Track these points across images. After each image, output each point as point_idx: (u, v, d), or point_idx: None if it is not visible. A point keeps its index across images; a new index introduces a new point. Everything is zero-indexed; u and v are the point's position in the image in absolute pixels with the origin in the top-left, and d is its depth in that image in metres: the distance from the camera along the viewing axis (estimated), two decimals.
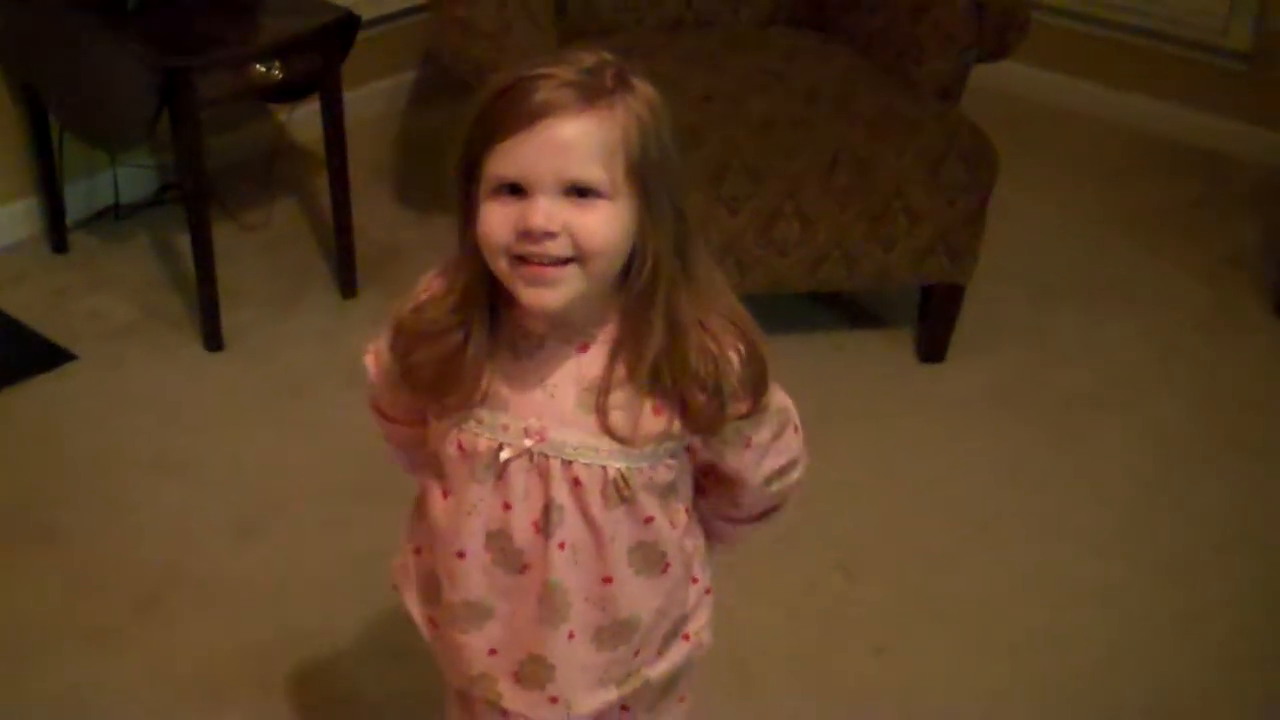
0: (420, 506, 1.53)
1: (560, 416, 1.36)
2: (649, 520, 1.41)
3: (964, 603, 2.45)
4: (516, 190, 1.27)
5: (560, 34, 3.00)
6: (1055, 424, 2.89)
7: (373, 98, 3.86)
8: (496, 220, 1.28)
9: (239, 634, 2.32)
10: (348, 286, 3.20)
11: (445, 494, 1.45)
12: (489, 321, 1.36)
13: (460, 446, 1.40)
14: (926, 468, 2.77)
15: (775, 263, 2.84)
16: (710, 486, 1.51)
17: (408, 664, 2.24)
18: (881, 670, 2.32)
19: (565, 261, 1.28)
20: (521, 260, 1.28)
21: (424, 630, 1.57)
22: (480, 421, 1.38)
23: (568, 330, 1.36)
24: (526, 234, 1.26)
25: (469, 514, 1.42)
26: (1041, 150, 3.90)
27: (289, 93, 3.10)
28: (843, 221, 2.82)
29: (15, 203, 3.32)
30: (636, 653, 1.50)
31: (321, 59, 2.98)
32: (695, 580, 1.54)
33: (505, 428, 1.37)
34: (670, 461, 1.41)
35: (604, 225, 1.28)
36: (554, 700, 1.49)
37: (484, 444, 1.38)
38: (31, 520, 2.55)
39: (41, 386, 2.90)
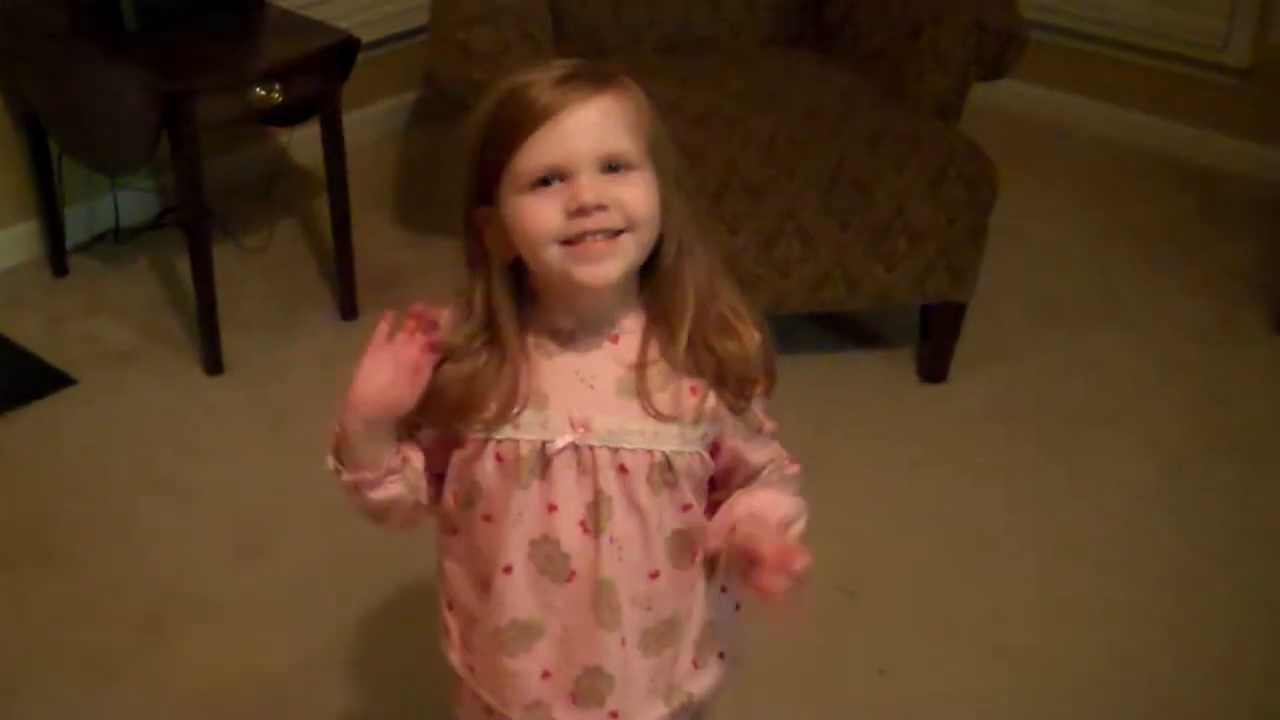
0: (441, 565, 1.53)
1: (602, 405, 1.38)
2: (688, 508, 1.43)
3: (966, 620, 2.45)
4: (549, 181, 1.31)
5: (558, 56, 2.99)
6: (1056, 440, 2.89)
7: (372, 120, 3.87)
8: (543, 210, 1.31)
9: (240, 656, 2.32)
10: (348, 308, 3.20)
11: (486, 516, 1.43)
12: (521, 326, 1.39)
13: (499, 458, 1.40)
14: (928, 487, 2.76)
15: (777, 283, 2.84)
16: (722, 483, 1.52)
17: (408, 686, 2.23)
18: (884, 689, 2.31)
19: (616, 234, 1.32)
20: (571, 243, 1.31)
21: (465, 675, 1.55)
22: (518, 426, 1.39)
23: (596, 323, 1.39)
24: (580, 211, 1.30)
25: (513, 525, 1.41)
26: (1041, 167, 3.91)
27: (289, 116, 3.11)
28: (843, 241, 2.82)
29: (15, 226, 3.33)
30: (675, 659, 1.49)
31: (321, 82, 2.98)
32: (724, 590, 1.54)
33: (546, 424, 1.38)
34: (706, 456, 1.43)
35: (644, 193, 1.33)
36: (614, 716, 1.48)
37: (526, 447, 1.39)
38: (32, 543, 2.55)
39: (41, 411, 2.89)
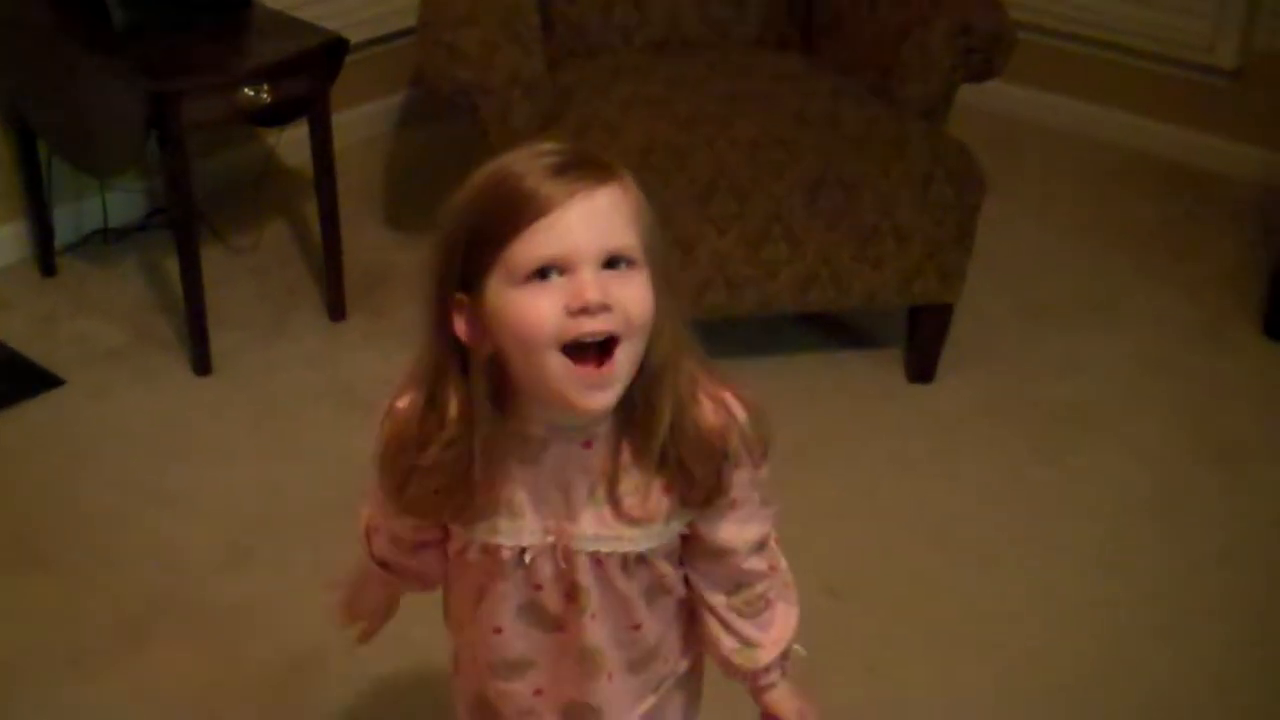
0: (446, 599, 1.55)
1: (574, 514, 1.36)
2: (660, 576, 1.43)
3: (953, 620, 2.45)
4: (547, 274, 1.22)
5: (546, 56, 3.00)
6: (1044, 442, 2.90)
7: (361, 120, 3.86)
8: (542, 306, 1.22)
9: (229, 660, 2.32)
10: (336, 309, 3.20)
11: (476, 588, 1.45)
12: (483, 425, 1.31)
13: (484, 550, 1.39)
14: (915, 487, 2.77)
15: (764, 284, 2.84)
16: (695, 561, 1.47)
17: (397, 689, 2.23)
18: (872, 688, 2.31)
19: (609, 347, 1.24)
20: (571, 357, 1.23)
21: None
22: (498, 530, 1.37)
23: (570, 430, 1.32)
24: (583, 310, 1.21)
25: (500, 601, 1.43)
26: (1028, 168, 3.92)
27: (278, 116, 3.11)
28: (830, 242, 2.82)
29: (3, 226, 3.33)
30: (665, 661, 1.53)
31: (310, 82, 2.98)
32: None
33: (521, 532, 1.37)
34: (682, 531, 1.41)
35: (642, 293, 1.25)
36: None
37: (506, 552, 1.38)
38: (19, 546, 2.55)
39: (29, 411, 2.89)
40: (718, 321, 2.85)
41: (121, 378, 2.99)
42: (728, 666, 1.53)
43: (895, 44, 2.99)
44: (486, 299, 1.25)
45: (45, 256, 3.32)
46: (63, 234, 3.37)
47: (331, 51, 3.01)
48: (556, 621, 1.44)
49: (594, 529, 1.36)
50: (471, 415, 1.30)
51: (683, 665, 1.57)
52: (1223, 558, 2.61)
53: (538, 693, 1.50)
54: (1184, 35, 3.89)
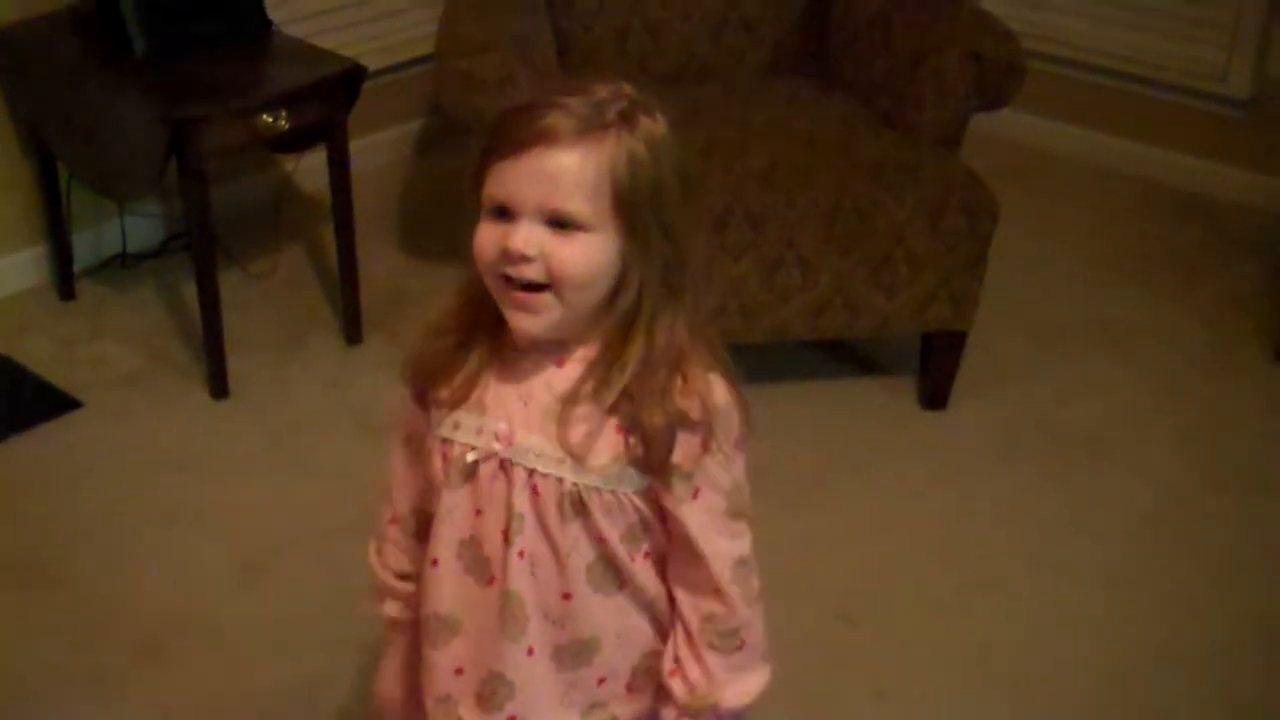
0: None
1: (527, 423, 1.41)
2: (603, 540, 1.43)
3: (964, 645, 2.46)
4: (505, 213, 1.34)
5: (561, 82, 3.02)
6: (1055, 467, 2.90)
7: (378, 147, 3.89)
8: (486, 239, 1.36)
9: (243, 679, 2.33)
10: (353, 334, 3.22)
11: (432, 512, 1.50)
12: (494, 331, 1.43)
13: (443, 456, 1.45)
14: (927, 513, 2.77)
15: (778, 310, 2.86)
16: (674, 556, 1.48)
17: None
18: (883, 713, 2.32)
19: (540, 288, 1.34)
20: (507, 282, 1.35)
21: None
22: (458, 426, 1.43)
23: (547, 345, 1.41)
24: (506, 255, 1.33)
25: (443, 520, 1.46)
26: (1041, 197, 3.93)
27: (295, 143, 3.13)
28: (844, 269, 2.84)
29: (23, 250, 3.35)
30: (601, 681, 1.50)
31: (328, 109, 3.01)
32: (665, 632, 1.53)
33: (479, 431, 1.42)
34: (636, 500, 1.42)
35: (581, 256, 1.34)
36: None
37: (458, 449, 1.43)
38: (36, 566, 2.56)
39: (47, 434, 2.91)
40: (731, 347, 2.86)
41: (139, 401, 3.01)
42: (688, 698, 1.48)
43: (909, 72, 3.01)
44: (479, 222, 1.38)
45: (64, 280, 3.34)
46: (82, 258, 3.39)
47: (349, 79, 3.03)
48: (489, 570, 1.45)
49: (538, 443, 1.40)
50: (474, 303, 1.43)
51: (627, 709, 1.53)
52: (1234, 582, 2.62)
53: (458, 672, 1.50)
54: (1197, 65, 3.91)
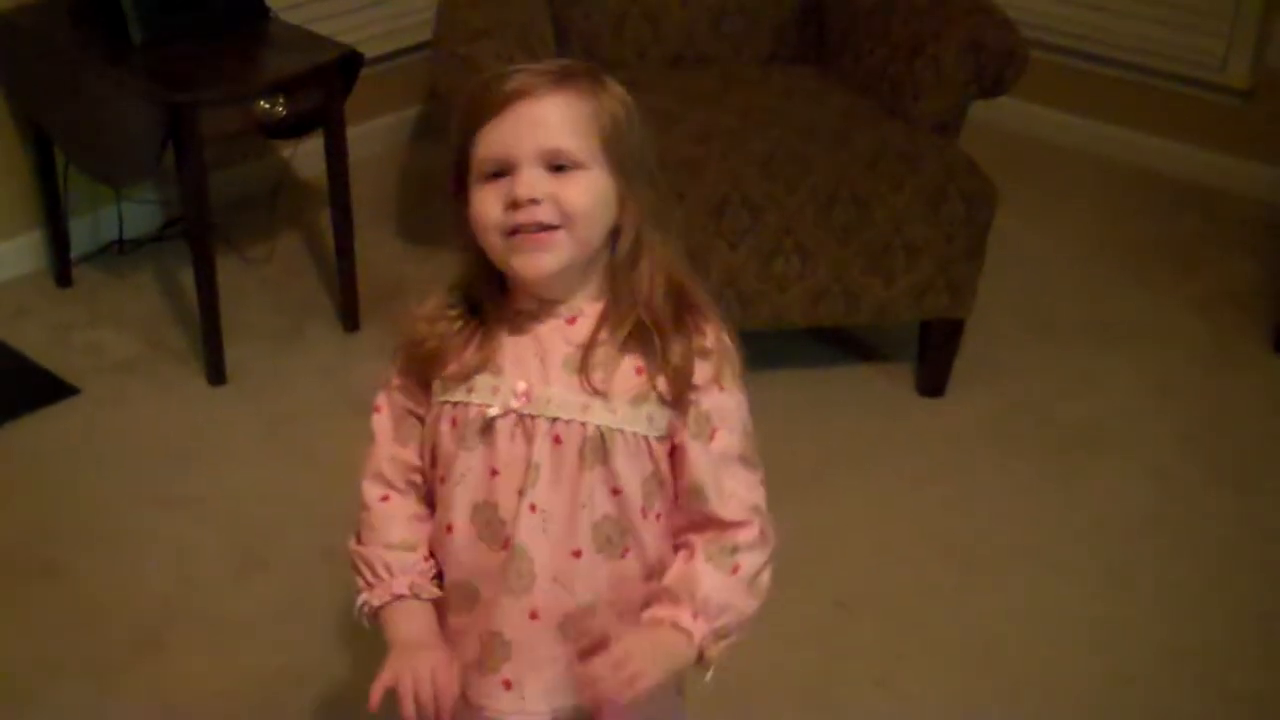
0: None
1: (546, 377, 1.44)
2: (618, 492, 1.44)
3: (962, 635, 2.46)
4: (501, 175, 1.39)
5: None
6: (1053, 458, 2.90)
7: (376, 134, 3.88)
8: (488, 201, 1.40)
9: (240, 668, 2.33)
10: (350, 321, 3.22)
11: (441, 478, 1.50)
12: (497, 306, 1.47)
13: (454, 422, 1.47)
14: (925, 502, 2.77)
15: (776, 298, 2.85)
16: (684, 504, 1.50)
17: None
18: (881, 702, 2.32)
19: (552, 229, 1.39)
20: (513, 232, 1.39)
21: None
22: (472, 390, 1.45)
23: (554, 305, 1.46)
24: (514, 204, 1.38)
25: (457, 484, 1.47)
26: (1040, 185, 3.92)
27: (293, 129, 3.12)
28: (842, 257, 2.83)
29: (20, 236, 3.35)
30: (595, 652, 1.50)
31: (325, 96, 3.00)
32: None
33: (496, 390, 1.44)
34: (655, 446, 1.44)
35: (585, 192, 1.40)
36: (507, 685, 1.50)
37: (474, 410, 1.45)
38: (32, 555, 2.56)
39: (44, 420, 2.91)
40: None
41: (136, 387, 3.01)
42: (669, 580, 1.46)
43: (908, 60, 3.00)
44: (470, 197, 1.43)
45: (61, 266, 3.34)
46: (79, 244, 3.39)
47: (347, 65, 3.03)
48: (504, 533, 1.45)
49: (559, 393, 1.43)
50: (473, 294, 1.48)
51: None
52: (1231, 576, 2.62)
53: (494, 633, 1.50)
54: (1196, 54, 3.91)
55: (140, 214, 3.48)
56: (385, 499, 1.56)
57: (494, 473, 1.45)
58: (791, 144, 2.88)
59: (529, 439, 1.43)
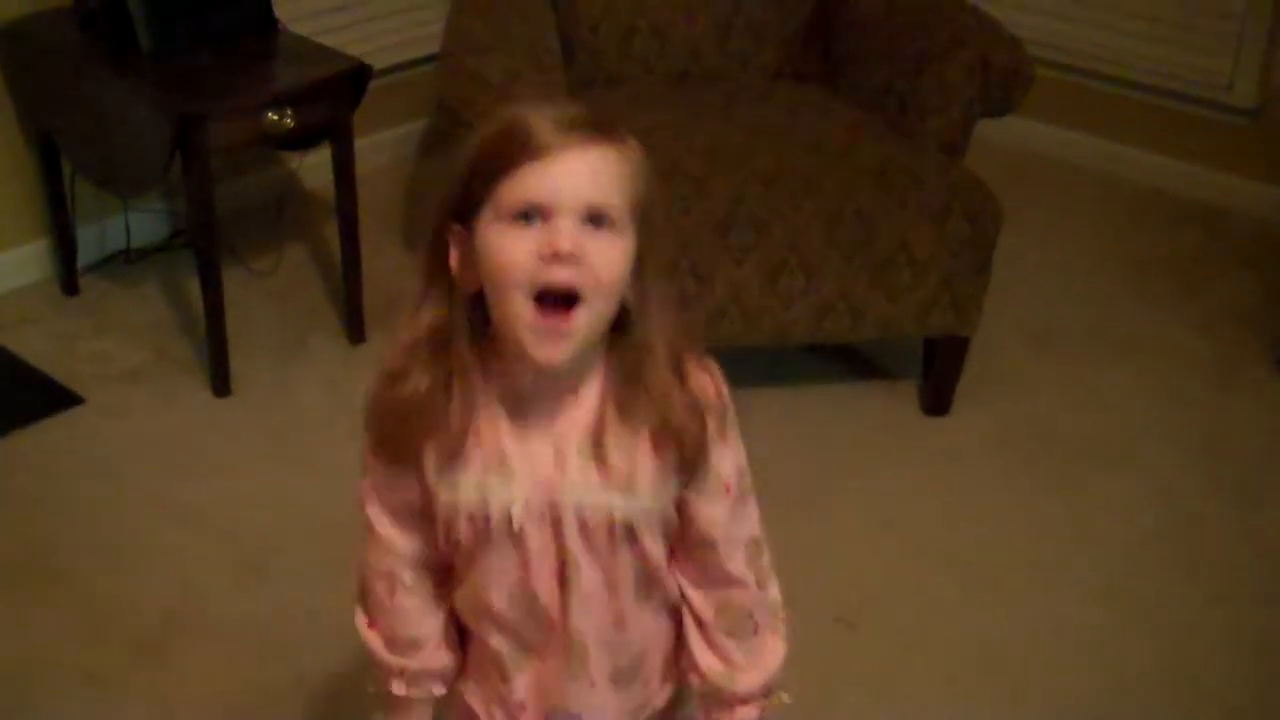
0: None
1: (564, 468, 1.37)
2: (645, 556, 1.43)
3: (964, 652, 2.45)
4: (530, 219, 1.28)
5: (568, 83, 3.03)
6: (1056, 476, 2.90)
7: (383, 146, 3.89)
8: (518, 247, 1.28)
9: (242, 678, 2.33)
10: (355, 333, 3.22)
11: (468, 563, 1.46)
12: (478, 366, 1.36)
13: (471, 519, 1.40)
14: (928, 518, 2.77)
15: (780, 314, 2.85)
16: (687, 552, 1.48)
17: None
18: (881, 717, 2.32)
19: (572, 303, 1.29)
20: (537, 305, 1.28)
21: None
22: (485, 489, 1.38)
23: (555, 381, 1.36)
24: (554, 256, 1.27)
25: (489, 579, 1.43)
26: (1045, 203, 3.93)
27: (300, 141, 3.13)
28: (847, 273, 2.84)
29: (27, 245, 3.35)
30: (646, 683, 1.53)
31: (333, 108, 3.01)
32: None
33: (510, 489, 1.38)
34: (671, 510, 1.42)
35: (618, 258, 1.31)
36: None
37: (495, 510, 1.39)
38: (36, 563, 2.56)
39: (49, 429, 2.91)
40: (733, 350, 2.86)
41: (141, 397, 3.01)
42: (706, 687, 1.51)
43: (914, 77, 3.01)
44: (477, 233, 1.31)
45: (68, 275, 3.34)
46: (85, 253, 3.39)
47: (355, 78, 3.03)
48: (546, 615, 1.43)
49: (582, 487, 1.37)
50: (455, 342, 1.35)
51: (662, 696, 1.56)
52: (1232, 592, 2.61)
53: (521, 707, 1.51)
54: (1202, 74, 3.91)
55: (147, 223, 3.49)
56: (393, 594, 1.52)
57: (526, 564, 1.41)
58: (797, 160, 2.88)
59: (556, 528, 1.39)
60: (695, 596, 1.49)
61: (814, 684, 2.36)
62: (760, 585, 1.49)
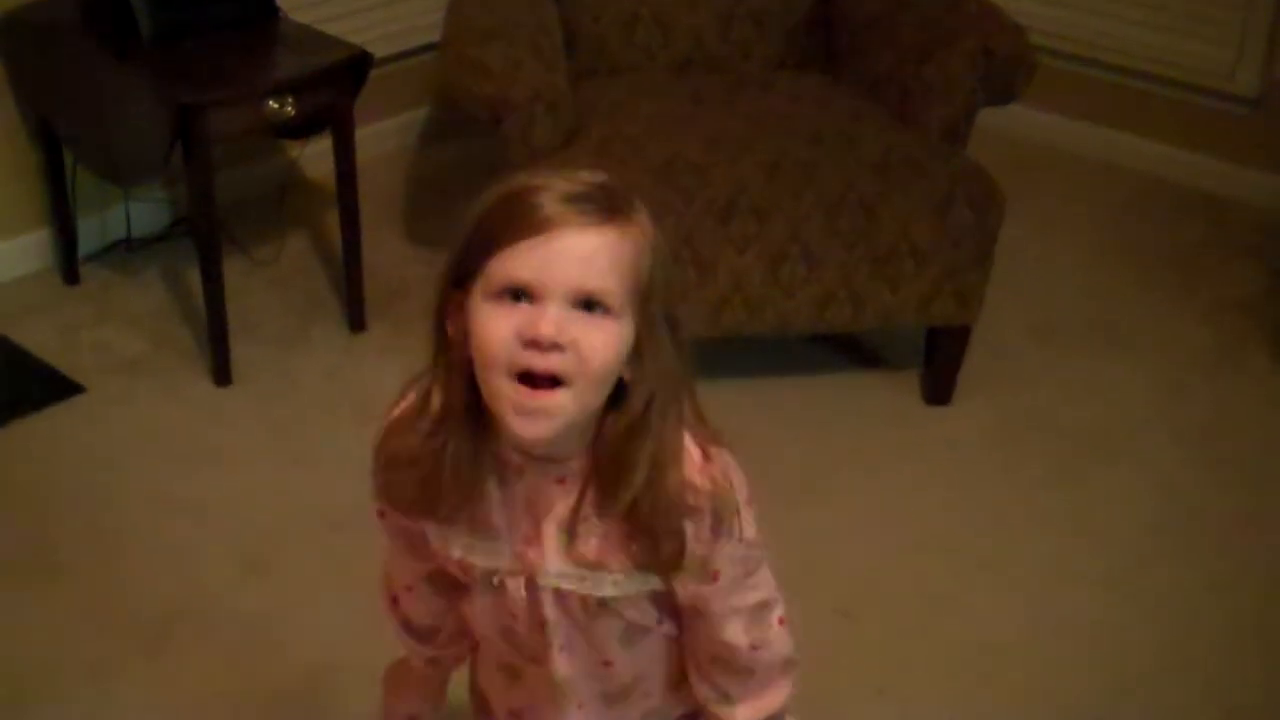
0: None
1: (542, 545, 1.36)
2: (630, 620, 1.42)
3: (964, 642, 2.45)
4: (520, 297, 1.23)
5: (569, 73, 3.02)
6: (1057, 466, 2.90)
7: (384, 135, 3.88)
8: (500, 327, 1.23)
9: (244, 669, 2.33)
10: (356, 321, 3.22)
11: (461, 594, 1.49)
12: (473, 439, 1.32)
13: (463, 569, 1.41)
14: (928, 509, 2.77)
15: (782, 303, 2.85)
16: (685, 624, 1.47)
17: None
18: (882, 710, 2.32)
19: (556, 384, 1.23)
20: (517, 381, 1.23)
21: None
22: (471, 549, 1.38)
23: (542, 459, 1.32)
24: (534, 343, 1.21)
25: (477, 612, 1.46)
26: (1047, 193, 3.92)
27: (301, 129, 3.12)
28: (849, 262, 2.83)
29: (28, 234, 3.35)
30: (646, 695, 1.52)
31: (334, 96, 3.00)
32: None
33: (494, 554, 1.38)
34: (655, 586, 1.39)
35: (608, 345, 1.24)
36: None
37: (480, 570, 1.40)
38: (37, 554, 2.56)
39: (50, 418, 2.91)
40: (735, 340, 2.86)
41: (142, 386, 3.01)
42: (706, 709, 1.50)
43: (916, 66, 3.00)
44: (469, 303, 1.26)
45: (69, 265, 3.34)
46: (86, 243, 3.39)
47: (356, 66, 3.03)
48: (531, 650, 1.44)
49: (558, 565, 1.35)
50: (451, 412, 1.30)
51: (676, 708, 1.54)
52: (1234, 583, 2.61)
53: (513, 714, 1.55)
54: (1205, 62, 3.90)
55: (148, 213, 3.49)
56: (409, 592, 1.55)
57: (512, 615, 1.41)
58: (799, 149, 2.87)
59: (535, 598, 1.38)
60: (688, 644, 1.47)
61: (812, 675, 2.36)
62: (758, 647, 1.44)
